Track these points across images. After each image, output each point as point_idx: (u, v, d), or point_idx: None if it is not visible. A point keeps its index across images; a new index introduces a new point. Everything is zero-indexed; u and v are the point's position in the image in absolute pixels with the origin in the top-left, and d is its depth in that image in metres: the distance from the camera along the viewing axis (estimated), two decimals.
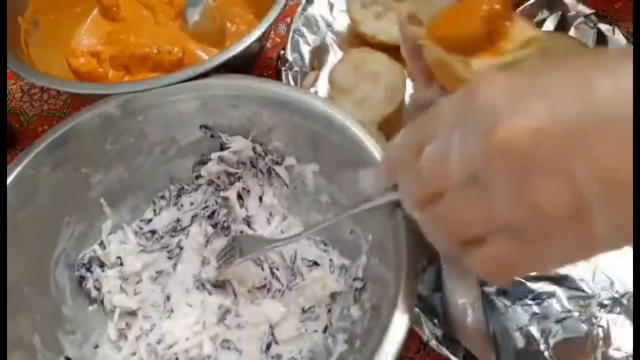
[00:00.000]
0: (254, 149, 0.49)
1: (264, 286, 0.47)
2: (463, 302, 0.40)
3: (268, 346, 0.44)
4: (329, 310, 0.46)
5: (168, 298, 0.47)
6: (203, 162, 0.51)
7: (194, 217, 0.50)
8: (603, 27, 0.62)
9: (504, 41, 0.39)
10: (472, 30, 0.38)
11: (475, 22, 0.38)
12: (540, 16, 0.65)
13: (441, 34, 0.39)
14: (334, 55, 0.63)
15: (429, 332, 0.44)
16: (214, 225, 0.49)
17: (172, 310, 0.46)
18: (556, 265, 0.36)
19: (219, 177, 0.51)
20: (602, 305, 0.47)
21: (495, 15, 0.38)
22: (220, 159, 0.50)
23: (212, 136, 0.49)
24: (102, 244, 0.48)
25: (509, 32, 0.39)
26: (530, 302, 0.47)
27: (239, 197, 0.51)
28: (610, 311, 0.47)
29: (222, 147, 0.50)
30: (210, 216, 0.49)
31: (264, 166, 0.50)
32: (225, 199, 0.50)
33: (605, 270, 0.49)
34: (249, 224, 0.50)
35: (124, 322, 0.47)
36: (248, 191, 0.51)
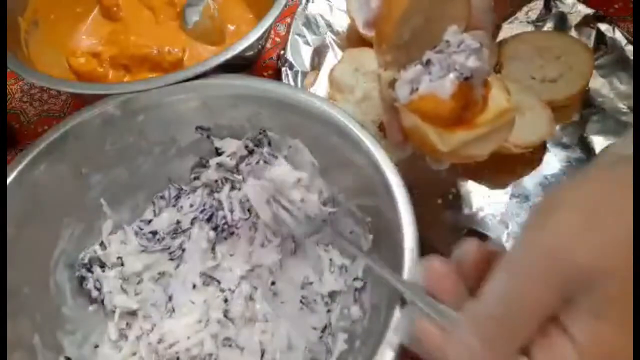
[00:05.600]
0: (246, 146, 0.49)
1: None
2: None
3: None
4: (329, 310, 0.46)
5: (170, 298, 0.47)
6: (202, 164, 0.51)
7: (193, 219, 0.50)
8: (603, 27, 0.62)
9: (479, 112, 0.39)
10: (445, 106, 0.38)
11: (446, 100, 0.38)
12: (540, 16, 0.65)
13: (418, 106, 0.40)
14: (334, 55, 0.63)
15: None
16: (215, 228, 0.49)
17: (173, 310, 0.47)
18: None
19: (216, 181, 0.51)
20: None
21: (465, 91, 0.38)
22: (219, 165, 0.50)
23: (208, 137, 0.50)
24: (102, 244, 0.48)
25: (484, 101, 0.39)
26: None
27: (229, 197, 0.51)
28: None
29: (217, 152, 0.50)
30: (209, 219, 0.49)
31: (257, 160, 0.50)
32: (220, 202, 0.50)
33: None
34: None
35: (125, 322, 0.47)
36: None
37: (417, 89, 0.39)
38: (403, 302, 0.34)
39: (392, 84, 0.42)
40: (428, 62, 0.40)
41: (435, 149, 0.40)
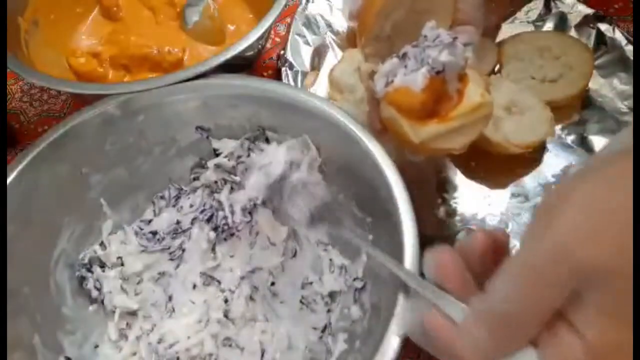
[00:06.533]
0: (242, 146, 0.49)
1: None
2: None
3: None
4: (329, 310, 0.46)
5: (170, 298, 0.47)
6: (201, 165, 0.51)
7: (193, 219, 0.50)
8: (603, 27, 0.62)
9: (453, 106, 0.40)
10: (417, 98, 0.39)
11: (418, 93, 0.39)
12: (540, 16, 0.65)
13: (393, 98, 0.40)
14: (334, 55, 0.63)
15: None
16: (215, 229, 0.49)
17: (173, 310, 0.47)
18: None
19: (215, 182, 0.51)
20: None
21: (437, 85, 0.39)
22: (217, 166, 0.50)
23: (207, 137, 0.50)
24: (102, 244, 0.48)
25: (459, 95, 0.40)
26: None
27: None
28: None
29: (215, 153, 0.50)
30: (209, 219, 0.49)
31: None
32: (220, 202, 0.50)
33: None
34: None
35: (125, 322, 0.47)
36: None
37: (392, 81, 0.40)
38: (406, 293, 0.34)
39: (371, 75, 0.43)
40: (404, 56, 0.40)
41: (409, 141, 0.41)
